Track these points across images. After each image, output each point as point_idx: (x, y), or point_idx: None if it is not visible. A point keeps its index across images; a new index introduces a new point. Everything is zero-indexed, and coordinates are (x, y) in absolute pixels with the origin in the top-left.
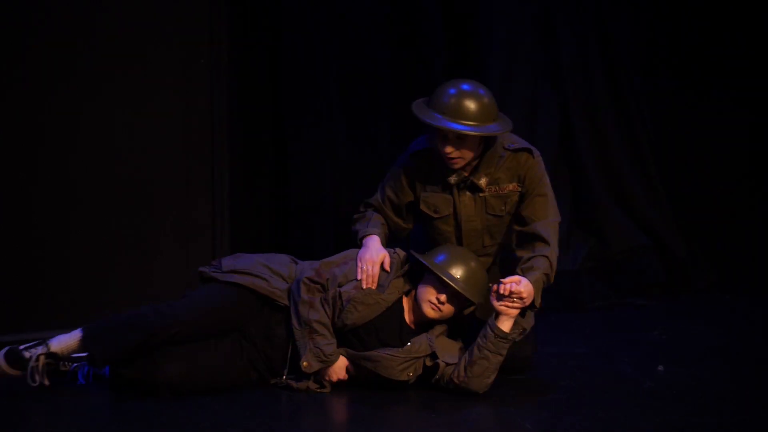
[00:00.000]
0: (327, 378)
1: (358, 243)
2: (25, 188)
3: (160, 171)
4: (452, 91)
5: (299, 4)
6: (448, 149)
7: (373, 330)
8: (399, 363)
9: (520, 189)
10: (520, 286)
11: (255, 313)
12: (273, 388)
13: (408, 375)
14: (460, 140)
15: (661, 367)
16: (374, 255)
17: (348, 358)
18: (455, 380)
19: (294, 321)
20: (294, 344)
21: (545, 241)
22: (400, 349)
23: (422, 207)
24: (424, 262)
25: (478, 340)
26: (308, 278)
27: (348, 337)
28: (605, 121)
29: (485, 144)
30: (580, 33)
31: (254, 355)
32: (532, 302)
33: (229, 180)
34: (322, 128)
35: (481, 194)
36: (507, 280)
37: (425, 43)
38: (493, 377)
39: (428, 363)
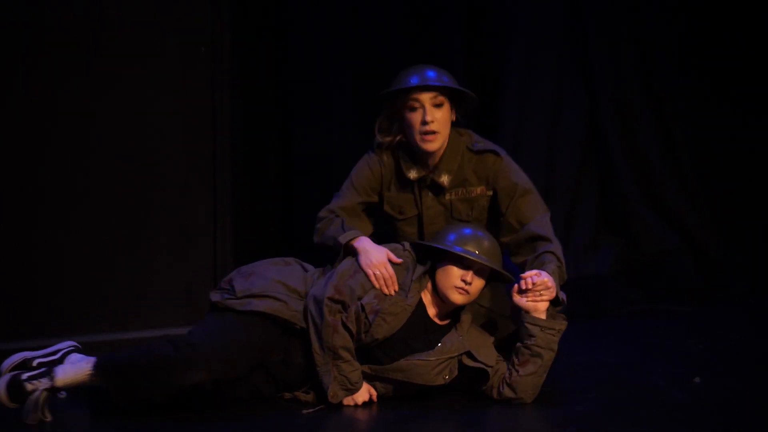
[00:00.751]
0: (350, 404)
1: (338, 250)
2: (23, 189)
3: (160, 172)
4: (412, 69)
5: (305, 0)
6: (428, 117)
7: (402, 338)
8: (433, 367)
9: (489, 193)
10: (541, 276)
11: (275, 339)
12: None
13: (444, 378)
14: (435, 106)
15: (697, 379)
16: (378, 256)
17: (373, 376)
18: (507, 380)
19: (315, 345)
20: (313, 369)
21: (545, 239)
22: (431, 352)
23: (386, 208)
24: (439, 246)
25: (525, 341)
26: (330, 298)
27: (374, 352)
28: (637, 118)
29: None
30: (611, 25)
31: (272, 381)
32: (557, 298)
33: (231, 181)
34: (328, 129)
35: (446, 197)
36: (526, 274)
37: (441, 38)
38: (543, 378)
39: (468, 362)
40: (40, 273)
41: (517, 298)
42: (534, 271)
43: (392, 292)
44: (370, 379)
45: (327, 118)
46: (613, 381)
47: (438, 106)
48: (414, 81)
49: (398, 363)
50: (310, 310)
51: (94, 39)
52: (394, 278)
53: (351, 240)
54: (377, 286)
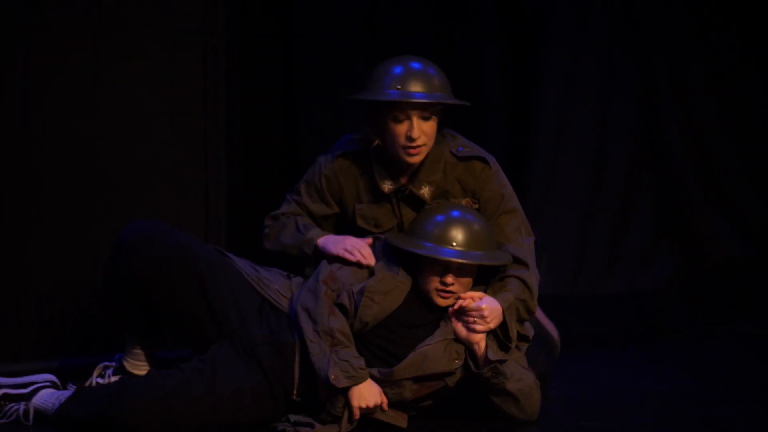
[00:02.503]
0: (357, 409)
1: (303, 254)
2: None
3: (145, 164)
4: (397, 68)
5: None
6: (416, 133)
7: (404, 325)
8: (443, 349)
9: (475, 206)
10: (481, 302)
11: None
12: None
13: (455, 362)
14: (424, 119)
15: None
16: (344, 237)
17: (382, 382)
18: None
19: (308, 332)
20: (304, 358)
21: (522, 263)
22: (435, 334)
23: (359, 222)
24: (404, 247)
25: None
26: (324, 282)
27: (377, 353)
28: (700, 106)
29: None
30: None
31: (268, 377)
32: (506, 334)
33: (226, 178)
34: (338, 121)
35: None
36: (464, 294)
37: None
38: (533, 397)
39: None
40: (18, 279)
41: (452, 320)
42: (475, 293)
43: (372, 262)
44: (380, 385)
45: (335, 109)
46: (671, 414)
47: (426, 118)
48: (395, 94)
49: (407, 360)
50: (299, 297)
51: (67, 16)
52: (367, 247)
53: (313, 240)
54: (353, 259)
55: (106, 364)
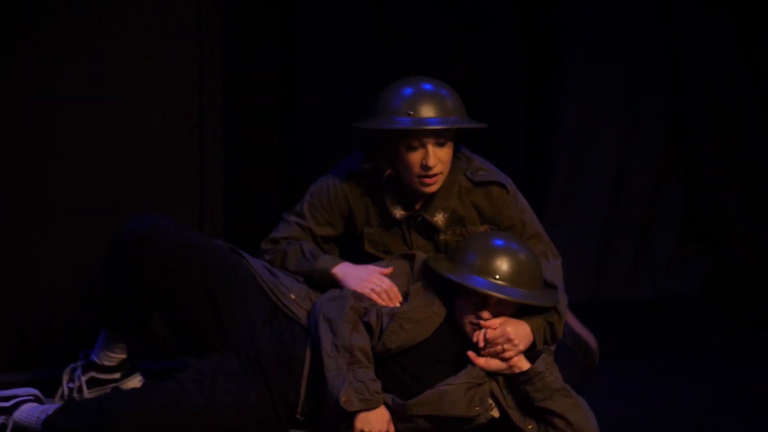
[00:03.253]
0: (365, 429)
1: (313, 283)
2: None
3: (134, 163)
4: (407, 90)
5: None
6: (432, 161)
7: (430, 358)
8: (464, 392)
9: None
10: (502, 327)
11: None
12: None
13: (476, 409)
14: (439, 145)
15: None
16: (367, 272)
17: (395, 410)
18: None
19: (326, 345)
20: (312, 375)
21: (551, 286)
22: (458, 374)
23: (368, 248)
24: (442, 273)
25: (528, 400)
26: (354, 296)
27: (393, 381)
28: (737, 99)
29: None
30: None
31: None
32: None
33: (223, 178)
34: (340, 122)
35: (440, 237)
36: (485, 324)
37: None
38: (583, 406)
39: (497, 392)
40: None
41: (479, 362)
42: (495, 320)
43: (397, 304)
44: (391, 415)
45: (340, 107)
46: (702, 430)
47: (441, 144)
48: (407, 122)
49: (424, 395)
50: (323, 307)
51: (62, 10)
52: (395, 288)
53: (327, 270)
54: (380, 302)
55: (73, 365)
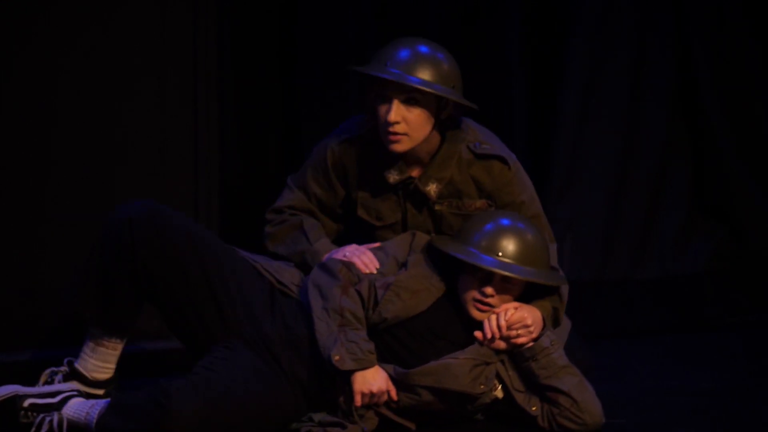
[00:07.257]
0: (359, 395)
1: (301, 262)
2: None
3: (128, 144)
4: (396, 45)
5: None
6: (393, 116)
7: (426, 332)
8: (469, 368)
9: (490, 208)
10: (520, 312)
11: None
12: None
13: (480, 387)
14: (408, 103)
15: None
16: (351, 247)
17: (397, 380)
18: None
19: (316, 309)
20: (316, 353)
21: (555, 268)
22: (465, 350)
23: (360, 213)
24: (444, 250)
25: (532, 377)
26: (343, 262)
27: (393, 352)
28: (743, 69)
29: (441, 138)
30: None
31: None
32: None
33: (218, 170)
34: (342, 111)
35: (437, 207)
36: (497, 309)
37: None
38: (589, 389)
39: (503, 372)
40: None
41: (492, 342)
42: (507, 305)
43: (374, 269)
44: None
45: (341, 99)
46: (713, 412)
47: (411, 103)
48: (380, 70)
49: (428, 365)
50: (313, 275)
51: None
52: (371, 254)
53: (319, 254)
54: (359, 265)
55: (54, 369)
